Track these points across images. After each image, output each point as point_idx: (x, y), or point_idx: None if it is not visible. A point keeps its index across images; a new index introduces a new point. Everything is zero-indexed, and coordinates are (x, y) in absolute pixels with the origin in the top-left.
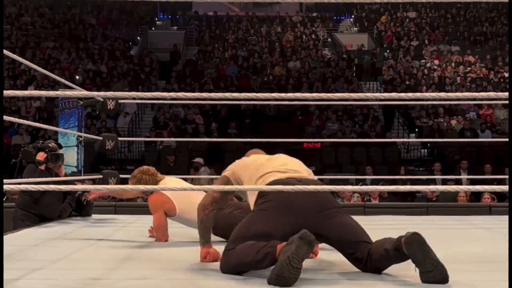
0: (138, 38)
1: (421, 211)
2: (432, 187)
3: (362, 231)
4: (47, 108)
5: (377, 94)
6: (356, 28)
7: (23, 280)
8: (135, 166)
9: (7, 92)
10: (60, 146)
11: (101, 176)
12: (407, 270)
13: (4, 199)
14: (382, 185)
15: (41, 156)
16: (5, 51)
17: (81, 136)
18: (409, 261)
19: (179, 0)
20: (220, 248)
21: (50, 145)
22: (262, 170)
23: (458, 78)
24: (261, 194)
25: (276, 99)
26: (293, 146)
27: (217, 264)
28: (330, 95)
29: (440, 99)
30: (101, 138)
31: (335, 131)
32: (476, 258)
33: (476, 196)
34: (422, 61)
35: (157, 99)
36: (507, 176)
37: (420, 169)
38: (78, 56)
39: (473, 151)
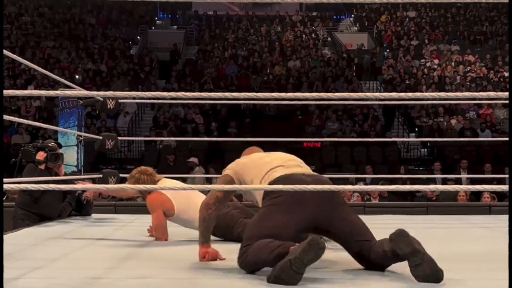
0: (138, 37)
1: (421, 210)
2: (432, 187)
3: (367, 229)
4: (47, 108)
5: (377, 94)
6: (356, 28)
7: (23, 279)
8: (135, 165)
9: (7, 92)
10: (60, 146)
11: (101, 176)
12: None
13: (4, 199)
14: (382, 184)
15: (40, 155)
16: (5, 51)
17: (81, 136)
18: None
19: (179, 0)
20: (217, 247)
21: (49, 144)
22: (266, 167)
23: (458, 78)
24: (271, 190)
25: (276, 99)
26: (293, 146)
27: (216, 263)
28: (330, 94)
29: (440, 99)
30: (101, 137)
31: (335, 131)
32: (476, 257)
33: (476, 195)
34: (422, 60)
35: (157, 98)
36: (507, 176)
37: (420, 168)
38: (78, 56)
39: (473, 150)
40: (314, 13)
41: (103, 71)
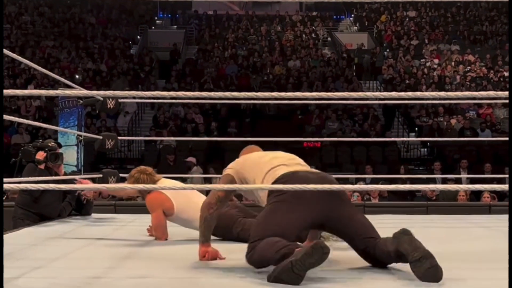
0: (138, 37)
1: (421, 210)
2: (432, 186)
3: (372, 227)
4: (47, 107)
5: (377, 93)
6: (356, 27)
7: (23, 278)
8: (135, 165)
9: (7, 91)
10: (60, 145)
11: (101, 176)
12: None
13: (4, 198)
14: (382, 184)
15: (40, 155)
16: (5, 50)
17: (81, 135)
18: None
19: None
20: (217, 247)
21: (49, 144)
22: (268, 166)
23: (458, 77)
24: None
25: (276, 98)
26: (293, 145)
27: (216, 263)
28: (330, 94)
29: (440, 98)
30: (101, 137)
31: (335, 130)
32: (476, 257)
33: (476, 195)
34: (422, 60)
35: (157, 98)
36: (507, 175)
37: (420, 168)
38: (78, 55)
39: (473, 150)
40: (314, 13)
41: (103, 70)
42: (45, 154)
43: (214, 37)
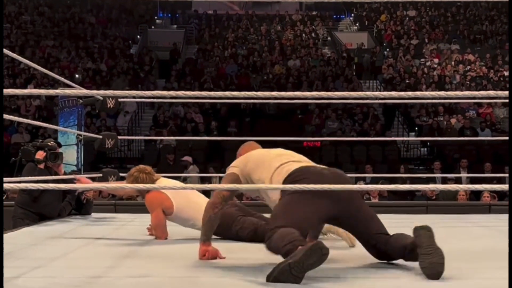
0: (138, 36)
1: (420, 209)
2: (431, 186)
3: (381, 223)
4: (47, 107)
5: (377, 93)
6: (356, 27)
7: (23, 278)
8: (135, 164)
9: (6, 91)
10: (60, 145)
11: (101, 175)
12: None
13: (3, 198)
14: (382, 183)
15: (40, 154)
16: (5, 50)
17: (80, 135)
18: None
19: None
20: (217, 246)
21: (49, 143)
22: (275, 163)
23: (458, 77)
24: (291, 181)
25: (276, 98)
26: (292, 145)
27: (216, 262)
28: (330, 93)
29: (440, 98)
30: (100, 136)
31: (335, 130)
32: (476, 256)
33: (476, 194)
34: (422, 59)
35: (157, 97)
36: (507, 175)
37: (420, 167)
38: (77, 55)
39: (473, 149)
40: (314, 12)
41: (103, 70)
42: (44, 153)
43: (214, 37)
